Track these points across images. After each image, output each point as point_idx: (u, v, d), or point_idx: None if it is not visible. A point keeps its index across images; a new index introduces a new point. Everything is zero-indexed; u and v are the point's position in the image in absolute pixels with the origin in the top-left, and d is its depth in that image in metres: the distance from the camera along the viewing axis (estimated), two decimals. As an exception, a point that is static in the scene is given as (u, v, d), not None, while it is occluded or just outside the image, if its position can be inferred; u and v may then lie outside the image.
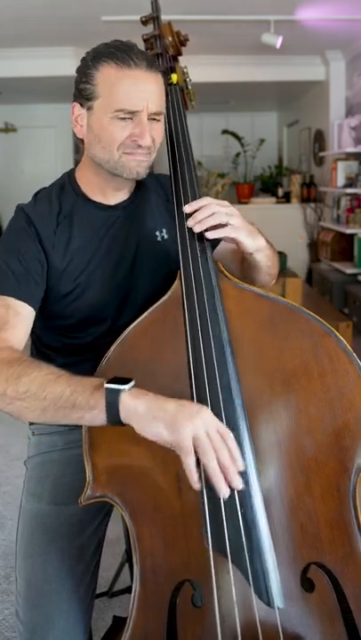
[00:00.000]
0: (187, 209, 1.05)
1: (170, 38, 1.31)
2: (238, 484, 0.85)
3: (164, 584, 0.91)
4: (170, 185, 1.17)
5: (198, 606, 0.89)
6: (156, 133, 1.10)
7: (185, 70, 1.32)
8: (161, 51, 1.30)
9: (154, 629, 0.89)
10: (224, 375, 0.95)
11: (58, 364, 1.21)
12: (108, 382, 0.87)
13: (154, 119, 1.08)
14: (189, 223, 1.04)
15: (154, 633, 0.89)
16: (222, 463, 0.84)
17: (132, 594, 0.92)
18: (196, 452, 0.84)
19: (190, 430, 0.82)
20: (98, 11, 4.05)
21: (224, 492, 0.84)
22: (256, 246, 1.11)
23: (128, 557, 1.46)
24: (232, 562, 0.86)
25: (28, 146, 7.12)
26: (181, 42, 1.32)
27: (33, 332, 1.26)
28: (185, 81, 1.32)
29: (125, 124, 1.06)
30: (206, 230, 1.03)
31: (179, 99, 1.27)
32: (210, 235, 1.04)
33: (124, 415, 0.86)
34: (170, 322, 1.01)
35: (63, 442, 1.25)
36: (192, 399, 0.93)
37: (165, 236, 1.23)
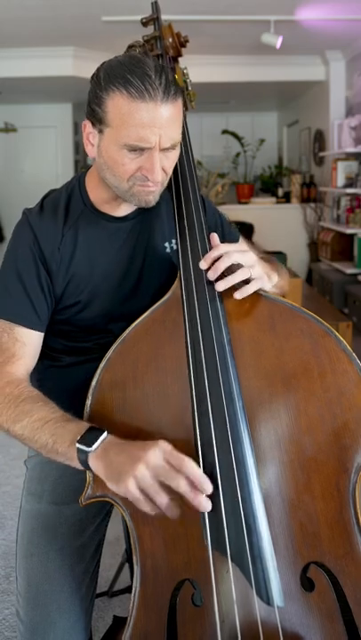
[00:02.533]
0: (202, 265, 1.02)
1: (170, 40, 1.31)
2: (207, 506, 0.85)
3: (165, 584, 0.91)
4: (170, 187, 1.17)
5: (198, 605, 0.89)
6: (169, 163, 1.04)
7: (185, 71, 1.32)
8: (161, 52, 1.30)
9: (154, 629, 0.90)
10: (224, 375, 0.95)
11: (64, 363, 1.22)
12: (80, 439, 0.91)
13: (168, 149, 1.02)
14: (210, 275, 1.01)
15: (154, 632, 0.90)
16: (183, 492, 0.84)
17: (133, 593, 0.92)
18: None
19: (131, 479, 0.84)
20: (98, 11, 4.06)
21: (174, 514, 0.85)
22: (271, 286, 1.09)
23: (128, 557, 1.46)
24: (232, 561, 0.86)
25: (28, 146, 7.13)
26: (182, 43, 1.32)
27: None
28: (185, 82, 1.32)
29: (135, 156, 1.00)
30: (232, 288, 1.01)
31: (179, 99, 1.27)
32: (239, 295, 1.01)
33: (95, 471, 0.91)
34: (170, 322, 1.02)
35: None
36: (192, 399, 0.94)
37: (174, 247, 1.20)
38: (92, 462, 0.90)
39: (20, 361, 1.07)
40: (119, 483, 0.85)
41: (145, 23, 1.32)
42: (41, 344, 1.13)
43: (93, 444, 0.90)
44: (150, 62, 0.99)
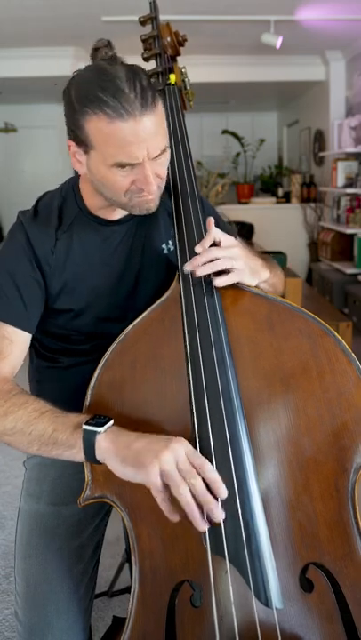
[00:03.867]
0: (198, 249, 1.02)
1: (168, 38, 1.31)
2: (219, 515, 0.84)
3: (163, 584, 0.91)
4: (169, 188, 1.17)
5: (197, 606, 0.89)
6: (161, 168, 1.02)
7: (183, 70, 1.32)
8: (159, 51, 1.30)
9: (153, 629, 0.89)
10: (222, 375, 0.95)
11: (64, 365, 1.22)
12: (86, 422, 0.91)
13: (158, 156, 0.99)
14: (187, 268, 1.01)
15: (153, 633, 0.89)
16: (197, 494, 0.84)
17: (131, 594, 0.91)
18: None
19: (156, 466, 0.83)
20: (98, 11, 4.05)
21: (202, 527, 0.84)
22: (258, 281, 1.08)
23: (128, 557, 1.46)
24: (230, 562, 0.86)
25: (28, 146, 7.12)
26: (180, 42, 1.32)
27: (33, 338, 1.26)
28: (183, 81, 1.32)
29: (126, 172, 0.98)
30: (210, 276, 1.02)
31: (177, 99, 1.27)
32: (218, 283, 1.01)
33: (100, 456, 0.89)
34: (168, 322, 1.01)
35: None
36: (190, 399, 0.94)
37: (172, 248, 1.20)
38: (101, 446, 0.88)
39: (6, 359, 1.06)
40: (140, 467, 0.84)
41: (143, 22, 1.32)
42: (28, 345, 1.12)
43: (102, 426, 0.89)
44: (120, 72, 0.95)
